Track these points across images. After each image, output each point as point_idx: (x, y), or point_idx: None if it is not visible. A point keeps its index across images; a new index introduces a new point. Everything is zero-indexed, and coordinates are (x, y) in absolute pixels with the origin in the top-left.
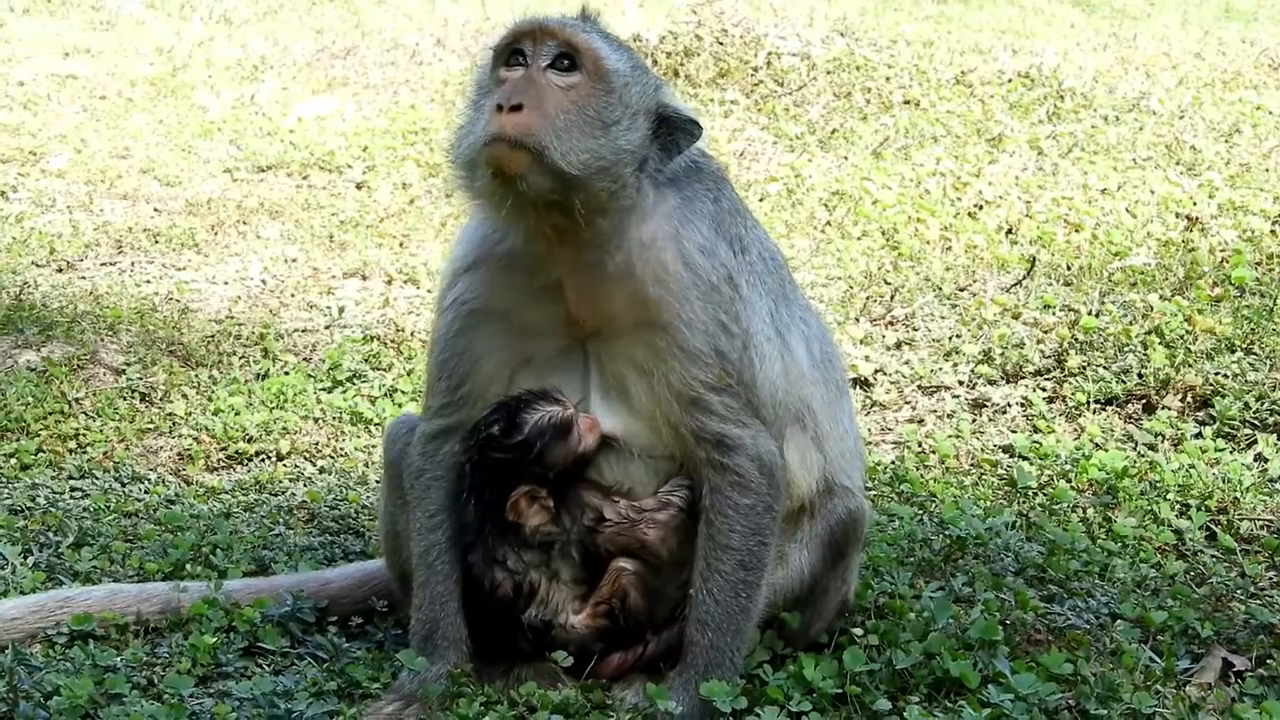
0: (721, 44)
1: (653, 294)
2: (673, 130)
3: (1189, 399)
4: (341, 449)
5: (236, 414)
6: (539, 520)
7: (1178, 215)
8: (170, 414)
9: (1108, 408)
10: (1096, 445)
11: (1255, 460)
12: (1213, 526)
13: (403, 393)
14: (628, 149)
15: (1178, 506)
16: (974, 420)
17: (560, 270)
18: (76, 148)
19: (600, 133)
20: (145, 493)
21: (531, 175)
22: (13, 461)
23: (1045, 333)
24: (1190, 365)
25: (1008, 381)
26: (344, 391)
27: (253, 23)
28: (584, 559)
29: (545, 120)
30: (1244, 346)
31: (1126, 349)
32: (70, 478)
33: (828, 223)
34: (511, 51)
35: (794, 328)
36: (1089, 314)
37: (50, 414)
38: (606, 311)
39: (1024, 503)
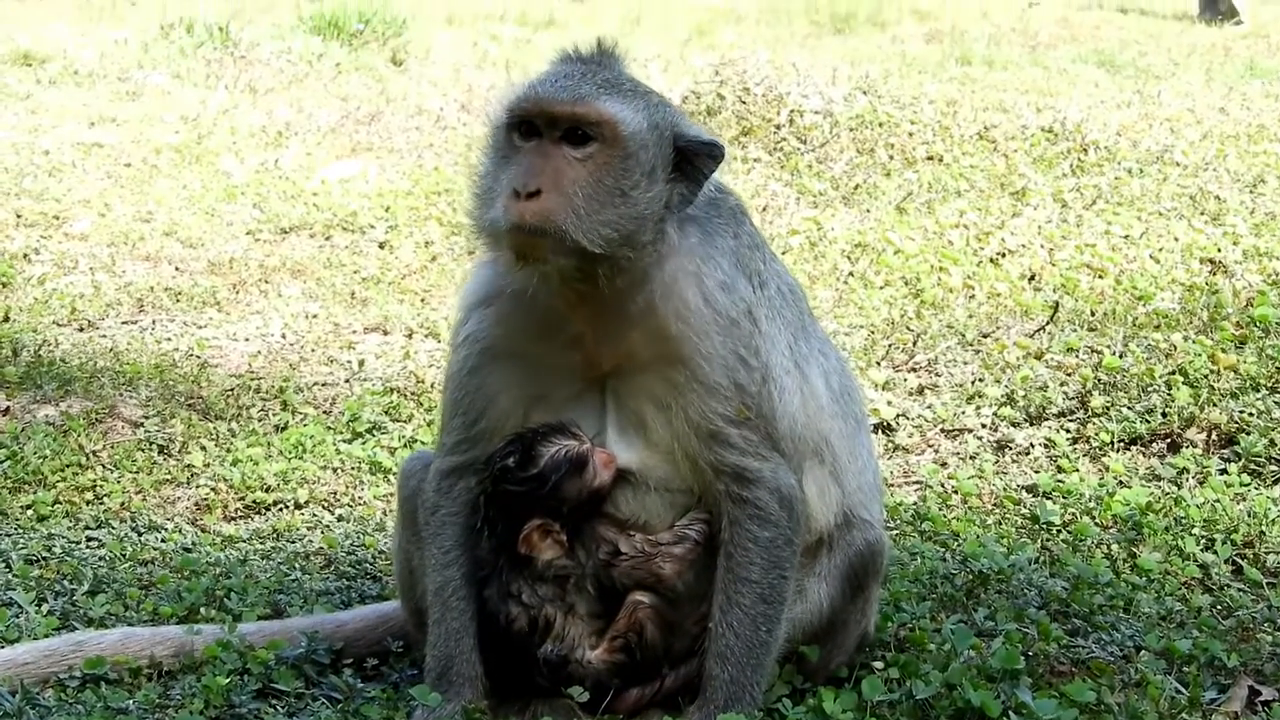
0: (744, 102)
1: (674, 331)
2: (694, 159)
3: (1214, 437)
4: (360, 498)
5: (255, 464)
6: (552, 554)
7: (1202, 261)
8: (188, 465)
9: (1132, 447)
10: (1121, 483)
11: None
12: (1239, 560)
13: (422, 443)
14: (647, 212)
15: (1203, 541)
16: (997, 461)
17: (580, 324)
18: (100, 212)
19: (620, 200)
20: (162, 541)
21: (554, 256)
22: (29, 513)
23: (1068, 374)
24: (1215, 404)
25: (1031, 423)
26: (363, 442)
27: (277, 91)
28: (600, 593)
29: (563, 200)
30: (1269, 385)
31: (1150, 389)
32: (87, 528)
33: (850, 273)
34: (525, 121)
35: (813, 361)
36: (1112, 355)
37: (68, 466)
38: (625, 350)
39: (1047, 538)
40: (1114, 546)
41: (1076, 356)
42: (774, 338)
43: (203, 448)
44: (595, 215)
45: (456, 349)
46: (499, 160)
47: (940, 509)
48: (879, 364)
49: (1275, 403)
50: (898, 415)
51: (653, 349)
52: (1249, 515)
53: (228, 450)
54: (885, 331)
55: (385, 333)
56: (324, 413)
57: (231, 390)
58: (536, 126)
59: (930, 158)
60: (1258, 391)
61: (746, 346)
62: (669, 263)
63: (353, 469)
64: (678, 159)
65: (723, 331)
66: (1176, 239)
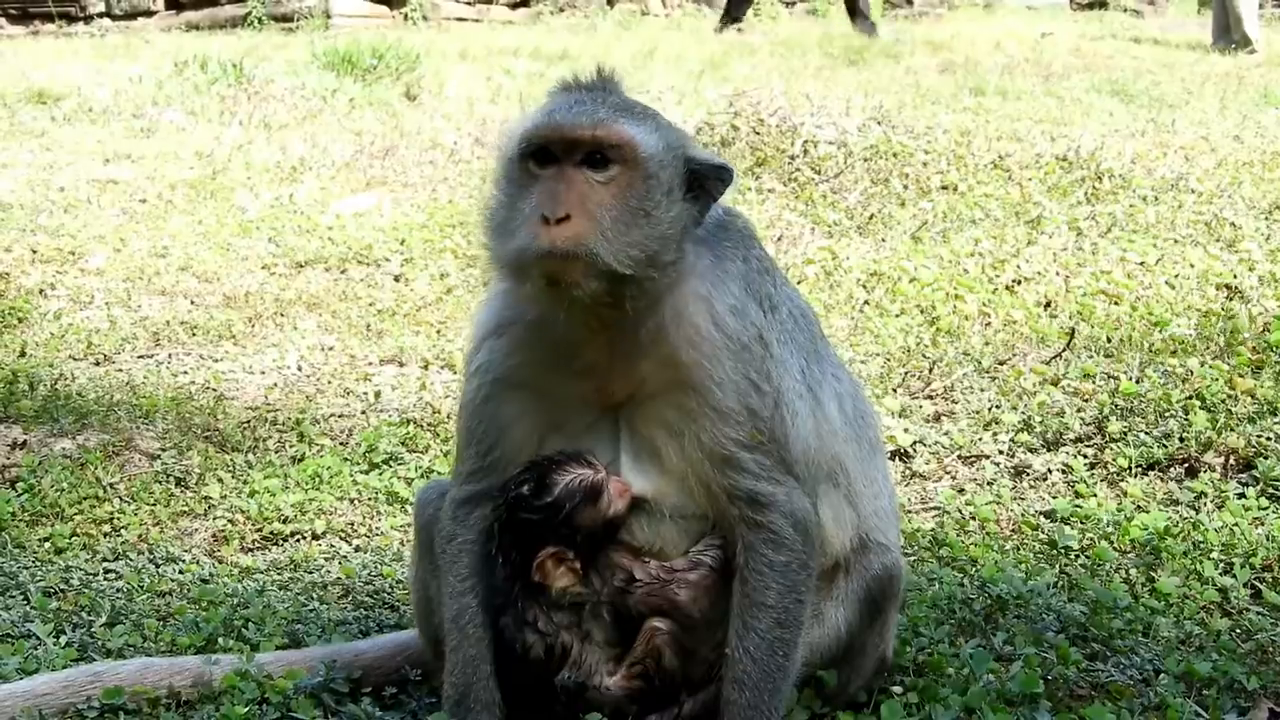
0: (758, 133)
1: (685, 357)
2: (704, 181)
3: (1231, 461)
4: (377, 528)
5: (272, 496)
6: (566, 582)
7: (1218, 287)
8: (205, 497)
9: (1150, 472)
10: (1139, 508)
11: None
12: (1257, 584)
13: (439, 474)
14: (670, 231)
15: (1222, 565)
16: (1014, 487)
17: (595, 353)
18: (116, 247)
19: (644, 220)
20: (180, 573)
21: (586, 281)
22: (47, 546)
23: (1085, 400)
24: (1232, 428)
25: (1048, 449)
26: (380, 473)
27: (291, 127)
28: (616, 620)
29: (592, 224)
30: None
31: (1168, 414)
32: (104, 560)
33: (866, 302)
34: (541, 148)
35: (825, 384)
36: (1129, 380)
37: (85, 499)
38: (638, 378)
39: (1065, 563)
40: (1132, 571)
41: (1093, 382)
42: (786, 362)
43: (220, 480)
44: (623, 236)
45: (470, 378)
46: (515, 190)
47: (958, 535)
48: (895, 391)
49: None
50: (914, 442)
51: (665, 376)
52: (1267, 539)
53: (245, 482)
54: (901, 359)
55: (401, 364)
56: (341, 444)
57: (248, 422)
58: (553, 153)
59: (945, 187)
60: (1275, 415)
61: (758, 371)
62: (681, 287)
63: (370, 500)
64: (689, 180)
65: (734, 356)
66: (1192, 265)
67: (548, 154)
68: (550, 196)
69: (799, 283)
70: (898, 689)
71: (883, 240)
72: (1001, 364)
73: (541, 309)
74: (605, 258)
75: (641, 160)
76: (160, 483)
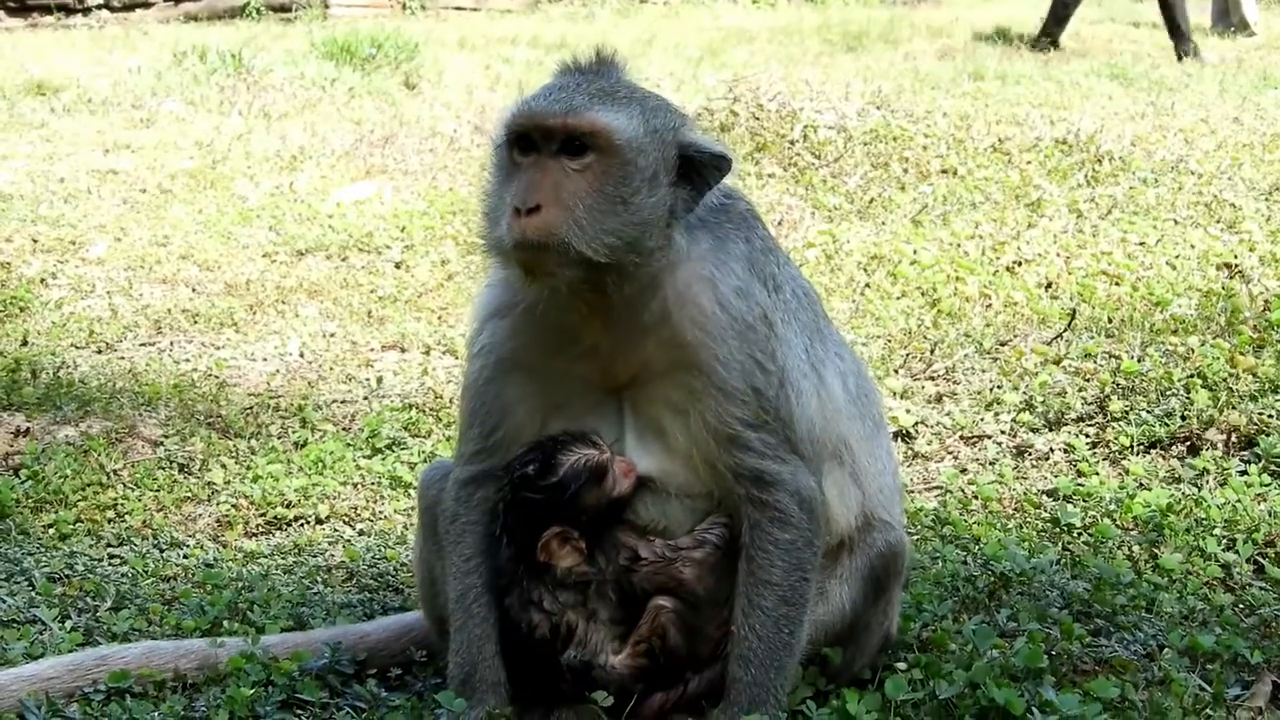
0: (757, 118)
1: (690, 338)
2: (700, 168)
3: (1233, 439)
4: (381, 512)
5: (275, 481)
6: (571, 561)
7: (1218, 267)
8: (209, 483)
9: (1152, 450)
10: (1141, 485)
11: None
12: (1260, 559)
13: (442, 458)
14: (651, 218)
15: (1224, 541)
16: (1016, 466)
17: (595, 336)
18: (116, 237)
19: (621, 208)
20: (184, 557)
21: (560, 269)
22: (51, 531)
23: (1087, 380)
24: (1234, 406)
25: (1050, 428)
26: (383, 458)
27: (291, 116)
28: (621, 599)
29: (564, 213)
30: None
31: (1169, 393)
32: (109, 545)
33: (867, 285)
34: (522, 136)
35: (829, 363)
36: (1130, 359)
37: (88, 485)
38: (641, 360)
39: (1068, 541)
40: (1135, 548)
41: (1095, 362)
42: (790, 341)
43: (223, 465)
44: (597, 224)
45: (472, 360)
46: (502, 178)
47: (961, 513)
48: (897, 372)
49: None
50: (916, 423)
51: (669, 357)
52: (1270, 515)
53: (248, 467)
54: (902, 341)
55: (403, 350)
56: (343, 429)
57: (250, 409)
58: (534, 141)
59: (945, 171)
60: (1277, 393)
61: (763, 351)
62: (682, 270)
63: (373, 484)
64: (682, 164)
65: (739, 336)
66: (1193, 246)
67: (529, 142)
68: (525, 186)
69: (800, 266)
70: (902, 665)
71: (883, 224)
72: (1003, 345)
73: (530, 295)
74: (578, 246)
75: (617, 147)
76: (163, 469)
